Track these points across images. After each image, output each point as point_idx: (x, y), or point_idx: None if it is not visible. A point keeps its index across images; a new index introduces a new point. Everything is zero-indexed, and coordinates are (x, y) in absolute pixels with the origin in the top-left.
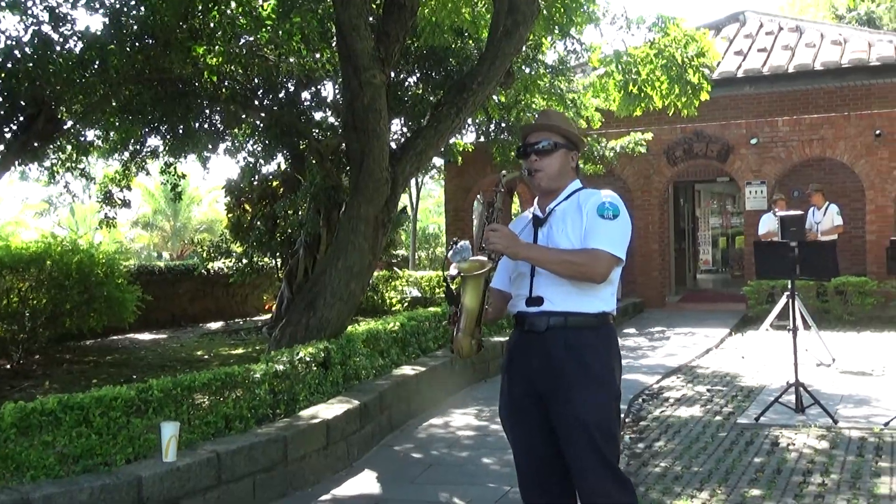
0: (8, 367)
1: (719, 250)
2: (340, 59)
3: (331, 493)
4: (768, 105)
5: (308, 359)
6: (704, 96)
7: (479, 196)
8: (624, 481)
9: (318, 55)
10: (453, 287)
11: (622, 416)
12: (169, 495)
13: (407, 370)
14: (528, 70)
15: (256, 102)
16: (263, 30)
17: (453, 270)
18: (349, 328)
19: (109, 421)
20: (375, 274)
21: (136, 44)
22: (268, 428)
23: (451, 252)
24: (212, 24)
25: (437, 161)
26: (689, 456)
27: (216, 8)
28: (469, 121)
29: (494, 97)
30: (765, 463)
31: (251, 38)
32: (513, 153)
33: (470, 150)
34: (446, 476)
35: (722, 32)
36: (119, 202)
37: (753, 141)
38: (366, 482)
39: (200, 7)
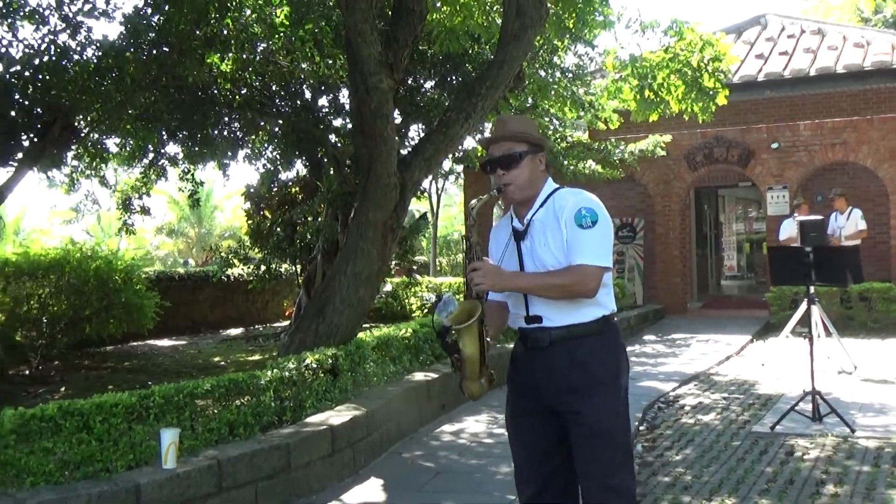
0: (26, 372)
1: (744, 256)
2: (349, 64)
3: (335, 500)
4: (790, 109)
5: (315, 365)
6: (721, 101)
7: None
8: (625, 490)
9: (331, 61)
10: (449, 338)
11: (636, 424)
12: (168, 502)
13: (419, 376)
14: (543, 74)
15: (273, 109)
16: (277, 36)
17: (445, 323)
18: (360, 334)
19: (110, 427)
20: (395, 281)
21: (153, 51)
22: (271, 434)
23: (437, 309)
24: (225, 32)
25: (458, 167)
26: (701, 465)
27: (230, 15)
28: (487, 125)
29: (511, 101)
30: (777, 472)
31: (265, 45)
32: None
33: None
34: (454, 484)
35: (743, 36)
36: (138, 209)
37: (774, 145)
38: (371, 489)
39: (214, 14)
